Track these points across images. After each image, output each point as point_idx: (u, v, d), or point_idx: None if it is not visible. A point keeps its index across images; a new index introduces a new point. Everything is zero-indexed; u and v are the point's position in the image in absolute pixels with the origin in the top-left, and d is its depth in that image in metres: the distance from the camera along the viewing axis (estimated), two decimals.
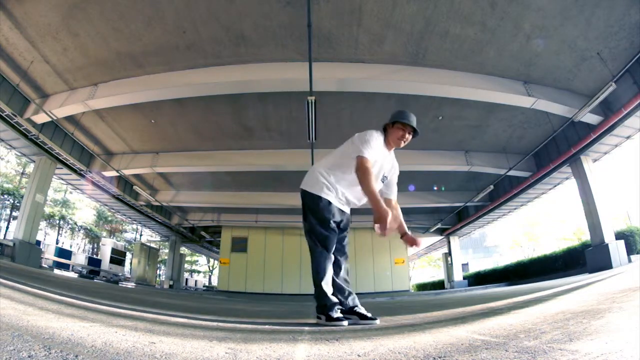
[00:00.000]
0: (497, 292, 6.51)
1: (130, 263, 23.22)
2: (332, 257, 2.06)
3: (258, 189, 14.09)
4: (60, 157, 10.01)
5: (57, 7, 5.97)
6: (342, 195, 2.10)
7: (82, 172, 11.20)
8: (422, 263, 35.81)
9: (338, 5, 5.86)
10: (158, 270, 28.34)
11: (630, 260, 8.06)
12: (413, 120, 2.11)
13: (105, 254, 18.91)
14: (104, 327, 1.35)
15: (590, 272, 7.95)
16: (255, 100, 8.47)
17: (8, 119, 8.06)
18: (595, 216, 8.47)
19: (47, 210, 24.95)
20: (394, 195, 2.29)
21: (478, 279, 17.98)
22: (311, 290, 2.04)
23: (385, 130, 2.19)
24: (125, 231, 36.24)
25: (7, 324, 1.11)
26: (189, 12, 6.09)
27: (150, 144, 11.06)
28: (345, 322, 1.90)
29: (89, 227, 31.53)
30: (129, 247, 30.47)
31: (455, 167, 10.89)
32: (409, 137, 2.14)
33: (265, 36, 6.60)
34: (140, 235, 32.80)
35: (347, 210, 2.21)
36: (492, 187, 11.91)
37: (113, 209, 16.27)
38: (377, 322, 1.97)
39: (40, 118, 8.47)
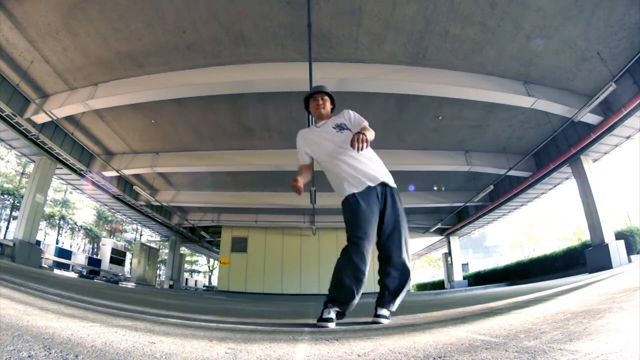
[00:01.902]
0: (497, 292, 6.51)
1: (130, 263, 23.23)
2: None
3: (258, 189, 14.09)
4: (60, 157, 10.01)
5: (57, 7, 5.97)
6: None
7: (82, 172, 11.20)
8: (422, 263, 35.82)
9: (338, 5, 5.86)
10: (158, 270, 28.34)
11: (630, 260, 8.05)
12: (316, 88, 2.36)
13: (105, 254, 18.91)
14: (104, 327, 1.35)
15: (590, 272, 7.95)
16: (255, 100, 8.47)
17: (8, 119, 8.05)
18: (595, 216, 8.47)
19: (47, 210, 24.95)
20: (364, 123, 2.24)
21: (478, 279, 17.97)
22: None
23: (310, 114, 2.44)
24: (125, 231, 36.25)
25: (7, 324, 1.11)
26: (189, 12, 6.09)
27: (150, 144, 11.06)
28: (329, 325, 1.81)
29: (89, 227, 31.53)
30: (129, 247, 30.47)
31: (455, 167, 10.89)
32: (323, 101, 2.33)
33: (265, 36, 6.60)
34: (140, 235, 32.80)
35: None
36: (492, 187, 11.91)
37: (113, 209, 16.26)
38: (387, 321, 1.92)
39: (40, 118, 8.47)
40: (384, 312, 1.99)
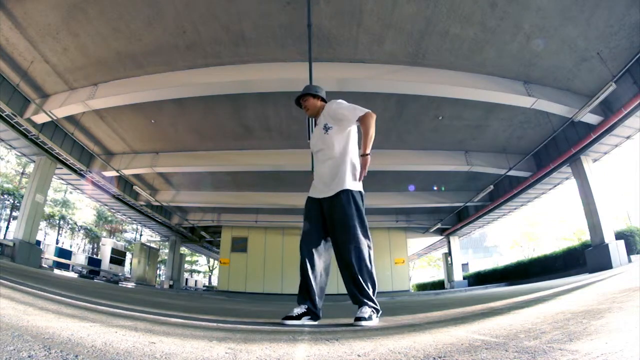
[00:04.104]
0: (497, 292, 6.51)
1: (130, 263, 23.23)
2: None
3: (258, 189, 14.09)
4: (60, 157, 10.01)
5: (57, 7, 5.97)
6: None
7: (82, 172, 11.20)
8: (422, 263, 35.81)
9: (338, 5, 5.86)
10: (158, 270, 28.34)
11: (630, 260, 8.05)
12: (299, 93, 2.44)
13: (105, 254, 18.93)
14: (104, 327, 1.35)
15: (590, 272, 7.95)
16: (255, 100, 8.47)
17: (8, 119, 8.06)
18: (595, 216, 8.47)
19: (47, 210, 24.95)
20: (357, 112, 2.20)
21: (478, 279, 17.98)
22: None
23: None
24: (125, 231, 36.24)
25: (7, 324, 1.11)
26: (189, 12, 6.09)
27: (150, 144, 11.06)
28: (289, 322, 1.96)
29: (89, 227, 31.53)
30: (129, 247, 30.47)
31: (455, 167, 10.89)
32: (304, 102, 2.43)
33: (265, 36, 6.60)
34: (140, 235, 32.81)
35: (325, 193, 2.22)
36: (492, 187, 11.91)
37: (113, 209, 16.27)
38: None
39: (40, 118, 8.47)
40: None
